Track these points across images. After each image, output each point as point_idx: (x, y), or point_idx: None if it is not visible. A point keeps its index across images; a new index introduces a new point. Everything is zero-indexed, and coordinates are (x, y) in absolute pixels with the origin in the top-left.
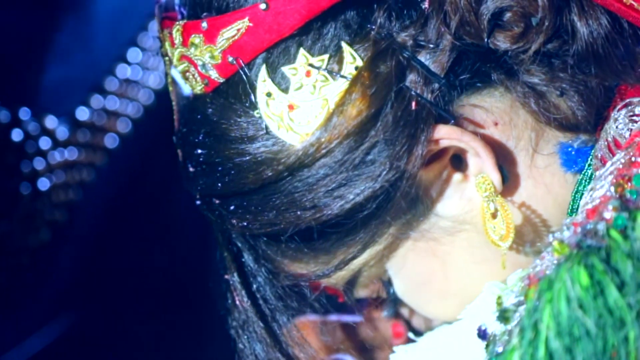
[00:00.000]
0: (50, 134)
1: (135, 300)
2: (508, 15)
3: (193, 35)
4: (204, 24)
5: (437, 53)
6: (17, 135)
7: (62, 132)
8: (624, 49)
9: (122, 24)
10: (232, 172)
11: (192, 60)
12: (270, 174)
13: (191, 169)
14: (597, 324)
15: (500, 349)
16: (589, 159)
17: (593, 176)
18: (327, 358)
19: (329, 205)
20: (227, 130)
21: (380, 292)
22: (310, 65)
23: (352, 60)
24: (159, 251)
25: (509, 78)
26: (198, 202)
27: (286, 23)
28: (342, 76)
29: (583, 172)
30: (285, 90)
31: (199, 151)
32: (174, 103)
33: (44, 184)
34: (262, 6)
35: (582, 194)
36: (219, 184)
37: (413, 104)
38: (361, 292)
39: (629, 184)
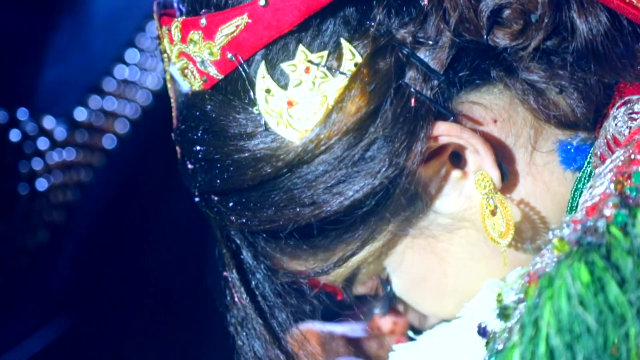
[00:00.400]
0: (48, 134)
1: (134, 301)
2: (507, 12)
3: (192, 32)
4: (203, 21)
5: (437, 50)
6: (15, 135)
7: (60, 133)
8: (623, 46)
9: (120, 24)
10: (231, 168)
11: (190, 57)
12: (269, 170)
13: (190, 166)
14: (597, 320)
15: (500, 347)
16: (588, 157)
17: (592, 174)
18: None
19: (328, 201)
20: (225, 126)
21: (378, 289)
22: (310, 61)
23: (352, 56)
24: (156, 252)
25: (508, 75)
26: (197, 199)
27: (285, 19)
28: (342, 73)
29: (582, 170)
30: (284, 86)
31: (198, 148)
32: (172, 100)
33: (42, 184)
34: (261, 2)
35: (582, 191)
36: (218, 181)
37: (412, 100)
38: (359, 289)
39: (629, 181)
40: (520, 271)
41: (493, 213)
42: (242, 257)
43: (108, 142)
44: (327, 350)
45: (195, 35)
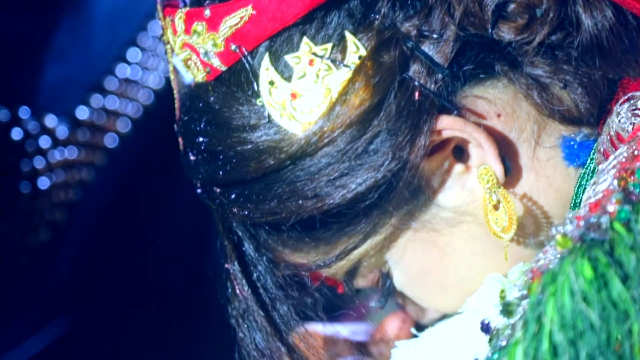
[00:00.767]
0: (50, 133)
1: (135, 300)
2: (512, 6)
3: (196, 23)
4: (207, 12)
5: (441, 43)
6: (16, 134)
7: (62, 131)
8: (628, 41)
9: (122, 23)
10: (234, 160)
11: (194, 48)
12: (272, 162)
13: (192, 158)
14: (600, 316)
15: (503, 343)
16: (591, 153)
17: (595, 170)
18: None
19: (330, 194)
20: (229, 118)
21: (378, 282)
22: (314, 54)
23: (356, 49)
24: (158, 251)
25: (513, 69)
26: (199, 191)
27: (289, 11)
28: (346, 65)
29: (585, 166)
30: (288, 78)
31: (201, 139)
32: (175, 91)
33: (43, 183)
34: None
35: (585, 188)
36: (221, 173)
37: (416, 94)
38: (360, 283)
39: (632, 177)
40: (523, 267)
41: (496, 208)
42: (243, 249)
43: (110, 141)
44: (330, 347)
45: (199, 26)
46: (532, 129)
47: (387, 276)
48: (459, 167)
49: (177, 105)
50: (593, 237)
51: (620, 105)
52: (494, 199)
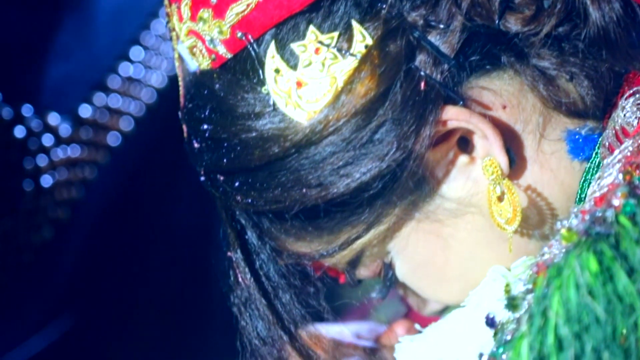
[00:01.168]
0: (53, 131)
1: (138, 298)
2: None
3: (202, 10)
4: None
5: (448, 34)
6: (19, 132)
7: (65, 130)
8: (635, 34)
9: (125, 22)
10: (238, 148)
11: (200, 35)
12: (276, 150)
13: (196, 145)
14: (606, 310)
15: (508, 337)
16: (596, 148)
17: (601, 165)
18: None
19: (334, 183)
20: (233, 106)
21: (380, 273)
22: (320, 42)
23: (362, 38)
24: (161, 249)
25: (519, 61)
26: (202, 179)
27: None
28: (352, 54)
29: (590, 161)
30: (293, 67)
31: (205, 127)
32: (180, 79)
33: (46, 181)
34: None
35: (590, 182)
36: (225, 160)
37: (422, 84)
38: (362, 273)
39: (638, 171)
40: (528, 261)
41: (500, 199)
42: (246, 237)
43: (113, 139)
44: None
45: (205, 13)
46: (538, 121)
47: (389, 267)
48: (463, 158)
49: (181, 92)
50: (598, 231)
51: (626, 99)
52: (498, 190)
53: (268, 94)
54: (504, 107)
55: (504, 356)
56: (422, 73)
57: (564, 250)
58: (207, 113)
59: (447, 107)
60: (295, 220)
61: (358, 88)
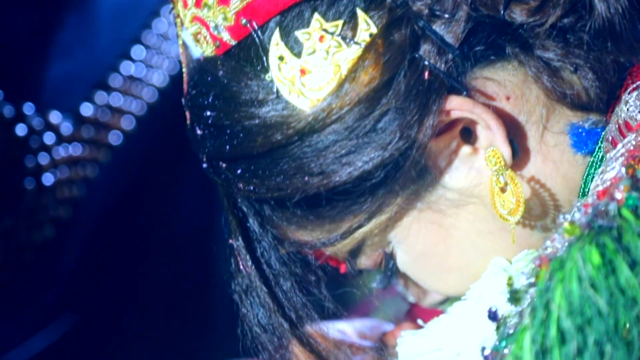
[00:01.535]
0: (54, 129)
1: (140, 297)
2: None
3: None
4: None
5: (452, 23)
6: (21, 130)
7: (66, 128)
8: None
9: (126, 20)
10: (241, 135)
11: (204, 22)
12: (279, 138)
13: (199, 132)
14: (608, 303)
15: (511, 331)
16: (599, 142)
17: (604, 159)
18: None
19: (337, 171)
20: (237, 93)
21: (381, 263)
22: (324, 30)
23: (367, 27)
24: (162, 248)
25: (524, 52)
26: (204, 166)
27: None
28: (356, 43)
29: (594, 155)
30: (297, 54)
31: (208, 113)
32: (183, 65)
33: (48, 179)
34: None
35: (593, 177)
36: (227, 147)
37: (426, 73)
38: (364, 263)
39: None
40: (530, 255)
41: (503, 190)
42: (248, 225)
43: (114, 138)
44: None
45: None
46: (541, 113)
47: (390, 257)
48: (466, 149)
49: (185, 79)
50: (601, 224)
51: (629, 93)
52: (502, 181)
53: (272, 81)
54: (508, 98)
55: (506, 350)
56: (426, 62)
57: (566, 243)
58: (210, 100)
59: (451, 97)
60: (297, 209)
61: (362, 76)
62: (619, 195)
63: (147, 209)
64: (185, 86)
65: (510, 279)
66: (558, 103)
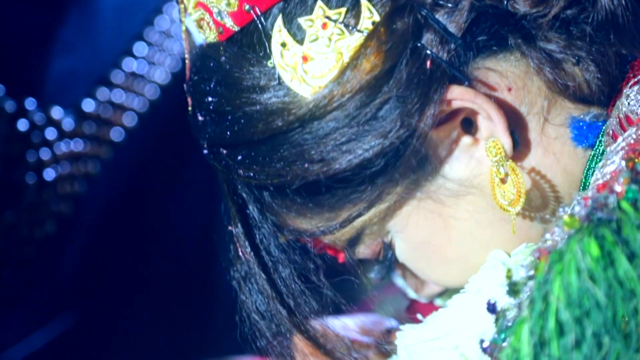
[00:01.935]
0: (56, 124)
1: (140, 294)
2: None
3: None
4: None
5: (455, 13)
6: (23, 125)
7: (68, 124)
8: None
9: (129, 17)
10: (242, 121)
11: (207, 8)
12: (280, 124)
13: (200, 118)
14: (607, 295)
15: (509, 323)
16: (600, 135)
17: (604, 153)
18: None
19: (337, 159)
20: (239, 79)
21: (380, 254)
22: (327, 17)
23: (370, 15)
24: (164, 245)
25: (526, 43)
26: (205, 152)
27: None
28: (359, 30)
29: (595, 149)
30: (300, 41)
31: (210, 99)
32: (186, 52)
33: (49, 174)
34: None
35: (594, 170)
36: (228, 133)
37: (428, 62)
38: (362, 252)
39: None
40: (529, 248)
41: (503, 181)
42: (247, 211)
43: (116, 135)
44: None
45: None
46: (542, 105)
47: (388, 247)
48: (467, 139)
49: (187, 65)
50: (600, 217)
51: (630, 87)
52: (502, 171)
53: (274, 67)
54: (510, 89)
55: (505, 342)
56: (429, 51)
57: (566, 236)
58: (212, 85)
59: (452, 86)
60: (297, 196)
61: (364, 64)
62: (618, 188)
63: (148, 206)
64: (187, 72)
65: (509, 271)
66: (559, 95)
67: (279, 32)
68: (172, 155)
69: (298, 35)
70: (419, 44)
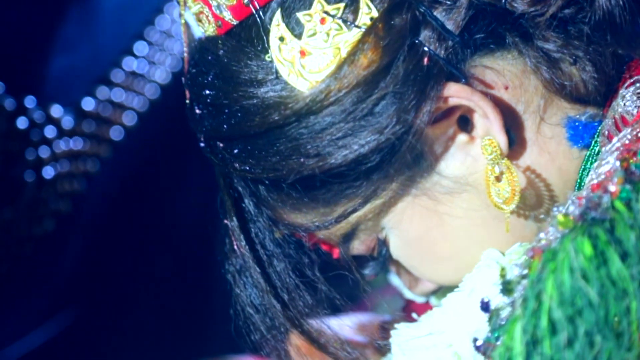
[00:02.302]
0: (55, 122)
1: (139, 293)
2: None
3: None
4: None
5: (453, 10)
6: (22, 123)
7: (68, 122)
8: None
9: (130, 16)
10: (239, 114)
11: (206, 1)
12: (276, 118)
13: (197, 111)
14: (599, 294)
15: (503, 322)
16: (596, 136)
17: (600, 153)
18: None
19: (332, 154)
20: (237, 72)
21: (374, 250)
22: (326, 12)
23: (368, 10)
24: (162, 243)
25: (524, 42)
26: (202, 145)
27: None
28: (357, 26)
29: (590, 149)
30: (298, 36)
31: (207, 92)
32: (185, 45)
33: (48, 172)
34: None
35: (589, 171)
36: (225, 126)
37: (425, 59)
38: (357, 248)
39: (635, 157)
40: (523, 247)
41: (498, 179)
42: (243, 205)
43: (115, 133)
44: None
45: None
46: (539, 104)
47: (383, 243)
48: (463, 137)
49: (186, 58)
50: (594, 216)
51: (626, 88)
52: (497, 170)
53: (271, 61)
54: (506, 88)
55: (498, 341)
56: (426, 48)
57: (559, 235)
58: (210, 79)
59: (449, 83)
60: (292, 190)
61: (361, 60)
62: (612, 188)
63: (147, 205)
64: (185, 65)
65: (503, 270)
66: (556, 95)
67: (277, 26)
68: (172, 154)
69: (296, 30)
70: (416, 41)
